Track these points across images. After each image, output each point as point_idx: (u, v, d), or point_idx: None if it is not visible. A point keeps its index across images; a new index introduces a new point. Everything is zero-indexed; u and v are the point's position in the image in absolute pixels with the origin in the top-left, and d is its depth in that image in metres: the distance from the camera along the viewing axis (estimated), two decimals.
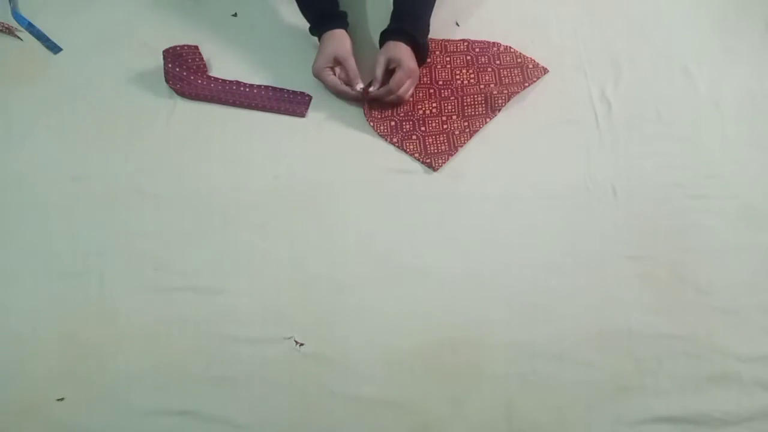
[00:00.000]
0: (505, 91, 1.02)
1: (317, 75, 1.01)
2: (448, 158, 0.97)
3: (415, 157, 0.98)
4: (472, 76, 1.05)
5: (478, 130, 1.00)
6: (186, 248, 0.90)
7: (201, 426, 0.79)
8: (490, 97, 1.01)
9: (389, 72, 0.99)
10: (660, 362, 0.82)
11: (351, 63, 0.99)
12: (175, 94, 1.03)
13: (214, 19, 1.12)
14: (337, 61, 1.00)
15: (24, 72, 1.06)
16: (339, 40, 1.01)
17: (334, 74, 1.00)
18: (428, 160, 0.97)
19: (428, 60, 1.05)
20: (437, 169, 0.96)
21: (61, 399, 0.81)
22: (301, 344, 0.83)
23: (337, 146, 0.99)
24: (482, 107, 1.01)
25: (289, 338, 0.84)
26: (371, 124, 1.00)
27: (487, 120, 1.00)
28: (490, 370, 0.82)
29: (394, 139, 0.99)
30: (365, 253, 0.90)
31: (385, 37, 1.01)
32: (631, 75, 1.05)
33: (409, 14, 1.01)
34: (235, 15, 1.12)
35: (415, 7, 1.02)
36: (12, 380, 0.82)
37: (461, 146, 0.98)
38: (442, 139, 0.99)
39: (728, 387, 0.80)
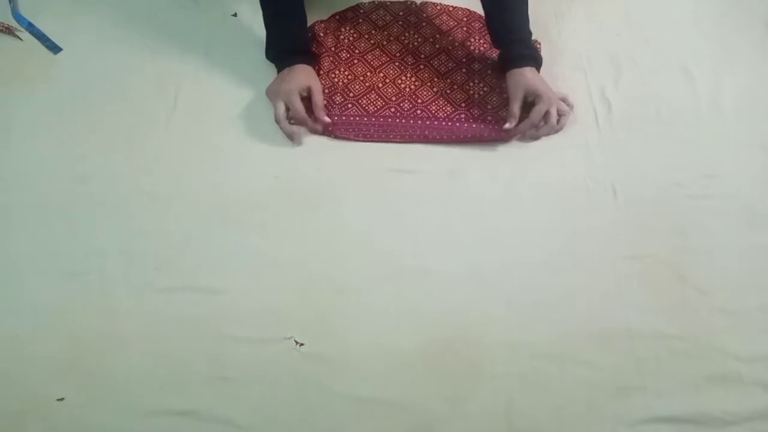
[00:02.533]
0: (386, 32, 1.09)
1: (287, 96, 0.97)
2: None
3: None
4: (352, 32, 1.10)
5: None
6: (186, 248, 0.90)
7: (201, 426, 0.79)
8: (380, 45, 1.08)
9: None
10: (660, 362, 0.82)
11: (320, 98, 0.99)
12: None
13: (214, 19, 1.12)
14: (308, 92, 0.99)
15: (24, 72, 1.06)
16: (312, 74, 1.01)
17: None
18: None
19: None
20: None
21: (61, 399, 0.80)
22: (301, 344, 0.83)
23: (337, 146, 0.99)
24: (382, 55, 1.07)
25: (289, 338, 0.84)
26: (338, 133, 0.99)
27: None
28: (490, 370, 0.82)
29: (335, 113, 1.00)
30: (365, 253, 0.90)
31: (508, 66, 0.98)
32: (631, 75, 1.05)
33: (517, 32, 1.00)
34: (235, 15, 1.13)
35: (517, 23, 1.00)
36: (12, 380, 0.82)
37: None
38: (373, 96, 1.02)
39: (728, 387, 0.80)
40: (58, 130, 1.00)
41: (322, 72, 1.05)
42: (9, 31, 1.10)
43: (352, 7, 1.13)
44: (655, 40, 1.09)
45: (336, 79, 1.04)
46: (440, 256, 0.89)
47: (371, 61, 1.07)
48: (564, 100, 1.00)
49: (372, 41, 1.09)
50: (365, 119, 1.00)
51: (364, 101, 1.02)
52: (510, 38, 1.00)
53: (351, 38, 1.09)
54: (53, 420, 0.79)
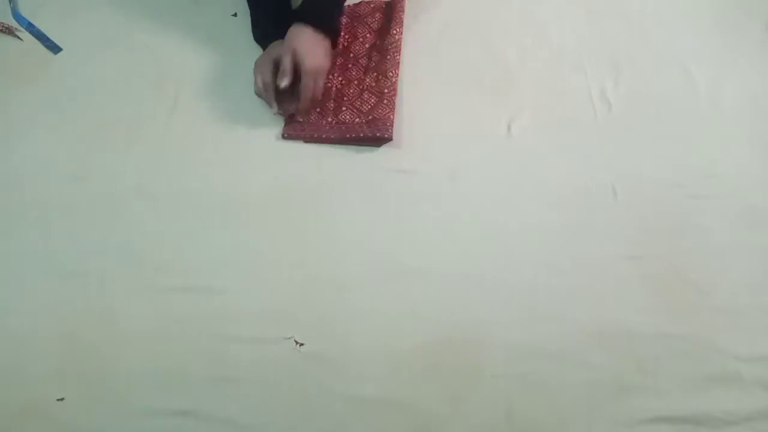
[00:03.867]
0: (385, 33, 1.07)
1: (259, 66, 0.97)
2: (391, 116, 0.98)
3: (361, 137, 0.98)
4: (346, 36, 1.08)
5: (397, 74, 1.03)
6: (186, 248, 0.90)
7: (201, 426, 0.79)
8: (375, 46, 1.06)
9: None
10: (660, 362, 0.82)
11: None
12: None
13: (214, 19, 1.12)
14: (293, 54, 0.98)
15: (24, 72, 1.06)
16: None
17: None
18: (375, 132, 0.97)
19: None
20: (391, 135, 0.97)
21: (61, 399, 0.80)
22: (301, 344, 0.83)
23: (337, 146, 0.99)
24: (377, 55, 1.05)
25: (289, 338, 0.84)
26: (289, 133, 0.99)
27: (397, 60, 1.03)
28: (490, 370, 0.82)
29: (329, 118, 1.00)
30: (365, 253, 0.90)
31: (296, 19, 0.97)
32: (631, 75, 1.05)
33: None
34: (235, 15, 1.13)
35: None
36: (12, 380, 0.82)
37: (393, 96, 1.00)
38: (367, 96, 1.01)
39: (728, 387, 0.80)
40: (58, 130, 1.00)
41: None
42: (9, 31, 1.10)
43: None
44: (655, 40, 1.09)
45: None
46: (440, 256, 0.89)
47: None
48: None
49: None
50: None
51: None
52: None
53: None
54: (53, 420, 0.79)
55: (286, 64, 0.95)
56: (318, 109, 1.01)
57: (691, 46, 1.08)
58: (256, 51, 1.06)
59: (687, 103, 1.02)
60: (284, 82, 0.95)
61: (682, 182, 0.95)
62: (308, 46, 0.96)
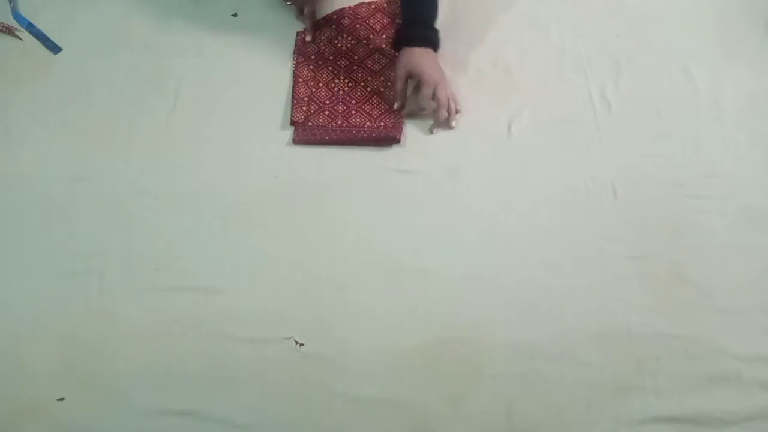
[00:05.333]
0: (384, 35, 1.08)
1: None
2: (401, 121, 0.99)
3: (373, 137, 0.98)
4: (350, 39, 1.09)
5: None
6: (186, 248, 0.90)
7: (201, 426, 0.79)
8: (379, 49, 1.07)
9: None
10: (660, 362, 0.82)
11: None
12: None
13: (214, 19, 1.12)
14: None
15: (24, 72, 1.06)
16: None
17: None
18: (387, 132, 0.98)
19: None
20: (400, 139, 0.98)
21: (61, 399, 0.80)
22: (301, 344, 0.83)
23: (337, 146, 0.99)
24: (382, 58, 1.06)
25: (289, 338, 0.84)
26: (302, 136, 0.99)
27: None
28: (490, 370, 0.82)
29: (339, 121, 1.00)
30: (365, 253, 0.90)
31: (399, 44, 1.01)
32: (631, 75, 1.05)
33: (418, 15, 1.02)
34: (235, 15, 1.13)
35: (422, 5, 1.02)
36: (12, 380, 0.82)
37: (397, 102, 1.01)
38: (376, 101, 1.02)
39: (728, 387, 0.80)
40: (58, 130, 1.00)
41: (300, 80, 1.04)
42: (9, 31, 1.10)
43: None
44: (655, 40, 1.09)
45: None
46: (440, 256, 0.89)
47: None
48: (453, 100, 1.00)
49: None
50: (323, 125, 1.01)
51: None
52: (409, 18, 1.02)
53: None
54: (53, 420, 0.79)
55: (399, 86, 0.99)
56: (327, 113, 1.01)
57: (691, 46, 1.08)
58: (255, 52, 1.07)
59: (687, 103, 1.02)
60: (399, 103, 0.99)
61: (682, 182, 0.95)
62: (426, 62, 0.98)
